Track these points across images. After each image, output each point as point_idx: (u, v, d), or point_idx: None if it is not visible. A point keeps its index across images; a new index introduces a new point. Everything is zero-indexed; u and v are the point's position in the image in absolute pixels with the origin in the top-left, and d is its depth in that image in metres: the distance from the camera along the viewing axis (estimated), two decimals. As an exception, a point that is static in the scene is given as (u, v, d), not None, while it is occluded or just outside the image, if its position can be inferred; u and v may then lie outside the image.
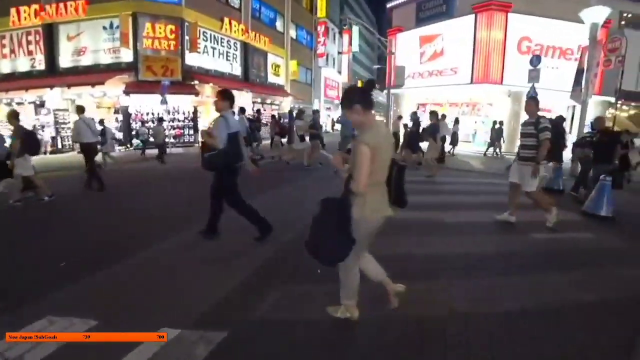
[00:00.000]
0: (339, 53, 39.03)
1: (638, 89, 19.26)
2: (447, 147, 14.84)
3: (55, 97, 16.22)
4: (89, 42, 17.02)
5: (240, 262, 3.74)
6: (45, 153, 15.26)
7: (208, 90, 17.96)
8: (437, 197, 7.13)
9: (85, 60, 17.15)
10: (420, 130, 10.44)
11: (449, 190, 7.95)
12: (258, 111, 17.13)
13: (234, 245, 4.20)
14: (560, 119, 8.42)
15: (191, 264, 3.75)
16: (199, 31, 17.92)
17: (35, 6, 16.85)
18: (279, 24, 26.87)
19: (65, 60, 17.45)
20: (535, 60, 11.79)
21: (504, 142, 15.31)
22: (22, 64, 18.28)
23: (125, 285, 3.27)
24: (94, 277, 3.38)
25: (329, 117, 36.10)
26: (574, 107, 16.40)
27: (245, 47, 21.95)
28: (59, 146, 15.89)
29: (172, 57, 16.88)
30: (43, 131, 15.81)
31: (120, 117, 16.77)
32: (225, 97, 4.13)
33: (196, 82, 17.32)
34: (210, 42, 19.31)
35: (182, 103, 17.19)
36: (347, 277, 2.49)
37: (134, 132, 16.43)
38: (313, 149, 10.45)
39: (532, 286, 3.30)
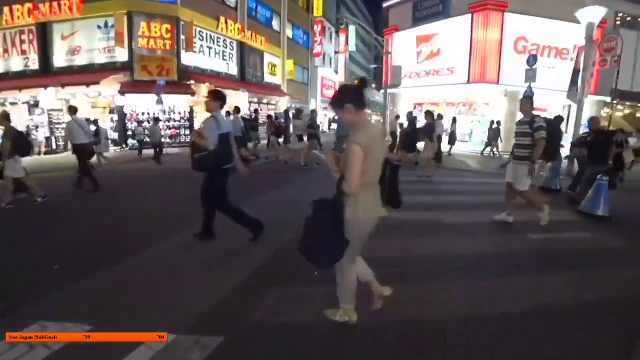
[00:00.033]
0: (336, 52, 39.01)
1: (633, 89, 19.39)
2: (446, 146, 14.90)
3: (49, 97, 16.06)
4: (84, 42, 16.87)
5: (238, 263, 3.71)
6: (39, 153, 15.13)
7: (204, 90, 17.81)
8: (435, 197, 7.13)
9: (80, 60, 16.99)
10: (416, 129, 10.44)
11: (447, 190, 7.94)
12: (255, 111, 17.08)
13: (232, 246, 4.16)
14: (559, 118, 8.45)
15: (189, 265, 3.71)
16: (195, 30, 17.81)
17: (28, 5, 16.68)
18: (275, 23, 26.79)
19: (59, 59, 17.29)
20: (532, 59, 11.83)
21: (501, 141, 15.35)
22: (16, 64, 18.10)
23: (123, 286, 3.23)
24: (90, 279, 3.34)
25: (326, 116, 36.08)
26: (569, 106, 16.46)
27: (242, 46, 21.86)
28: (53, 146, 15.73)
29: (167, 57, 16.76)
30: (37, 131, 15.65)
31: (115, 117, 16.64)
32: (216, 97, 4.08)
33: (192, 81, 17.22)
34: (206, 41, 19.20)
35: (178, 103, 17.09)
36: (344, 280, 2.45)
37: (129, 132, 16.31)
38: (310, 148, 10.43)
39: (531, 286, 3.29)
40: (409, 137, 10.44)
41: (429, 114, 9.80)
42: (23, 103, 16.91)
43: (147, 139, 14.02)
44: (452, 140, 15.31)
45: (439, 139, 11.51)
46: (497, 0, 16.31)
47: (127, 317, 2.68)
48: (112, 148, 15.82)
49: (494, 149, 15.14)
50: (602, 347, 2.45)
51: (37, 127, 15.76)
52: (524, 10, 16.38)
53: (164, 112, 16.49)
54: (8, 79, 17.53)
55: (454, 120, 15.69)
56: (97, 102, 16.91)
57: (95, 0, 15.95)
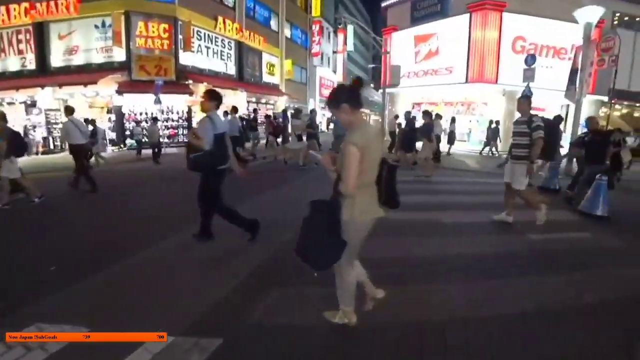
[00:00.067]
0: (334, 52, 38.98)
1: (630, 89, 19.47)
2: (445, 146, 14.92)
3: (47, 96, 16.00)
4: (81, 41, 16.81)
5: (237, 263, 3.70)
6: (37, 153, 15.10)
7: (202, 90, 17.75)
8: (434, 197, 7.12)
9: (77, 60, 16.93)
10: (414, 129, 10.43)
11: (446, 190, 7.92)
12: (255, 110, 17.05)
13: (231, 246, 4.15)
14: (559, 118, 8.45)
15: (188, 265, 3.70)
16: (193, 30, 17.77)
17: (25, 4, 16.60)
18: (273, 23, 26.76)
19: (56, 59, 17.23)
20: (530, 59, 11.84)
21: (500, 141, 15.38)
22: (13, 63, 18.04)
23: (121, 287, 3.22)
24: (88, 280, 3.33)
25: (324, 116, 36.07)
26: (567, 106, 16.51)
27: (240, 46, 21.82)
28: (51, 147, 15.68)
29: (165, 57, 16.72)
30: (34, 131, 15.60)
31: (113, 117, 16.58)
32: (211, 98, 4.06)
33: (190, 81, 17.18)
34: (204, 41, 19.16)
35: (176, 103, 17.05)
36: (343, 282, 2.43)
37: (128, 132, 16.27)
38: (309, 148, 10.42)
39: (530, 287, 3.29)
40: (407, 136, 10.43)
41: (426, 114, 9.81)
42: (20, 103, 16.84)
43: (146, 139, 13.99)
44: (451, 140, 15.33)
45: (438, 139, 11.53)
46: (495, 0, 16.32)
47: (126, 318, 2.67)
48: (110, 148, 15.78)
49: (493, 149, 15.16)
50: (601, 347, 2.45)
51: (34, 127, 15.70)
52: (522, 10, 16.41)
53: (162, 112, 16.46)
54: (5, 79, 17.47)
55: (453, 120, 15.70)
56: (95, 102, 16.87)
57: (92, -1, 15.90)
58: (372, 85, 45.23)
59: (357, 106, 2.25)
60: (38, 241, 4.52)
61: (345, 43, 37.06)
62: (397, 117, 15.56)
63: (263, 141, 15.33)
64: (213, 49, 19.88)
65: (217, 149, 3.93)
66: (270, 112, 19.95)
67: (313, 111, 12.36)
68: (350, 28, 34.85)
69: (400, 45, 20.69)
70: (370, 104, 40.85)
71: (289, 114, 14.65)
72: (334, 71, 39.55)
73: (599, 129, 6.80)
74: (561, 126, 9.41)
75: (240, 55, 21.98)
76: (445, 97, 19.45)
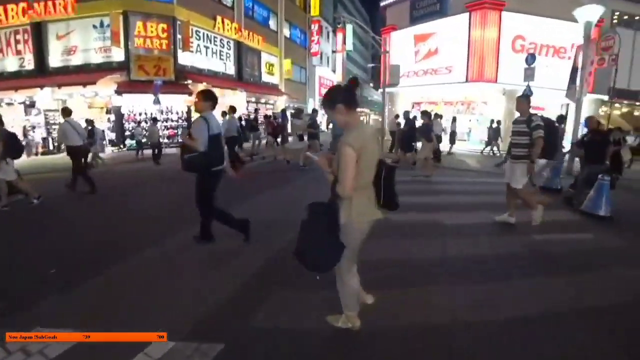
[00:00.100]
0: (333, 52, 38.91)
1: (630, 87, 19.45)
2: (447, 145, 14.91)
3: (46, 97, 15.94)
4: (79, 41, 16.74)
5: (238, 265, 3.68)
6: (36, 154, 15.07)
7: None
8: (435, 197, 7.09)
9: (76, 60, 16.86)
10: (414, 129, 10.39)
11: (447, 190, 7.90)
12: (256, 111, 17.00)
13: (232, 247, 4.12)
14: (561, 118, 8.43)
15: (189, 267, 3.68)
16: (192, 30, 17.71)
17: (22, 4, 16.51)
18: (272, 23, 26.71)
19: (55, 59, 17.15)
20: (530, 58, 11.82)
21: (501, 141, 15.38)
22: (11, 64, 17.95)
23: (121, 289, 3.19)
24: (87, 282, 3.31)
25: (324, 115, 36.03)
26: (567, 105, 16.49)
27: (239, 46, 21.77)
28: (50, 147, 15.63)
29: (164, 57, 16.66)
30: (33, 132, 15.56)
31: (112, 117, 16.53)
32: (206, 98, 4.00)
33: (189, 81, 17.13)
34: (203, 41, 19.11)
35: (175, 103, 17.00)
36: (344, 286, 2.40)
37: (127, 133, 16.23)
38: (310, 148, 10.38)
39: (533, 289, 3.26)
40: (407, 136, 10.40)
41: (425, 114, 9.75)
42: (19, 104, 16.78)
43: (144, 140, 13.96)
44: (452, 139, 15.33)
45: (439, 139, 11.50)
46: (494, -1, 16.32)
47: (126, 320, 2.65)
48: (110, 149, 15.73)
49: (494, 148, 15.15)
50: (602, 349, 2.44)
51: (33, 127, 15.66)
52: (522, 9, 16.39)
53: (161, 112, 16.41)
54: (3, 80, 17.38)
55: (454, 119, 15.71)
56: (94, 103, 16.80)
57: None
58: (371, 84, 45.20)
59: (352, 106, 2.22)
60: (37, 242, 4.51)
61: (344, 42, 36.98)
62: (397, 116, 15.55)
63: (264, 141, 15.30)
64: (212, 48, 19.82)
65: (212, 149, 3.88)
66: (269, 112, 19.90)
67: (315, 111, 12.33)
68: (349, 27, 34.72)
69: (400, 45, 20.67)
70: (370, 104, 40.83)
71: (288, 114, 14.61)
72: (334, 71, 39.50)
73: (598, 128, 6.76)
74: (563, 125, 9.35)
75: (240, 55, 21.92)
76: (445, 96, 19.44)
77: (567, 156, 9.45)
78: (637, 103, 21.36)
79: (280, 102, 26.13)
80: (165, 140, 16.27)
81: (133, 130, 15.63)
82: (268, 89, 25.53)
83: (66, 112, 7.67)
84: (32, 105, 16.27)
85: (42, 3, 16.26)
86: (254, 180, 8.89)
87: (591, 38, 10.74)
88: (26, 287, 3.25)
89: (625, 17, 19.81)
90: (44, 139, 15.64)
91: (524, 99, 5.03)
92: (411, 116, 11.28)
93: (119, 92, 15.68)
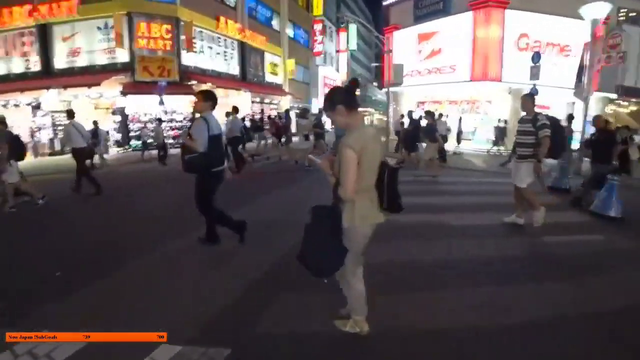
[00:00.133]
0: (337, 51, 38.87)
1: (637, 85, 19.21)
2: (453, 145, 14.82)
3: (52, 98, 16.03)
4: (84, 43, 16.82)
5: (244, 267, 3.65)
6: (42, 155, 15.18)
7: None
8: (441, 198, 7.02)
9: (81, 61, 16.94)
10: (418, 128, 10.31)
11: (453, 190, 7.82)
12: (262, 111, 17.00)
13: (237, 249, 4.10)
14: (570, 117, 8.32)
15: (195, 269, 3.66)
16: (195, 30, 17.73)
17: (28, 6, 16.60)
18: (275, 23, 26.71)
19: (60, 61, 17.24)
20: (536, 57, 11.70)
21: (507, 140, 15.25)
22: (17, 66, 18.06)
23: (125, 292, 3.18)
24: (89, 284, 3.30)
25: (329, 115, 35.94)
26: (573, 103, 16.34)
27: (243, 46, 21.78)
28: (57, 148, 15.72)
29: (168, 57, 16.70)
30: (39, 133, 15.68)
31: (118, 118, 16.60)
32: (206, 98, 3.99)
33: (194, 82, 17.15)
34: (207, 41, 19.13)
35: (180, 103, 17.04)
36: (351, 290, 2.37)
37: (133, 134, 16.30)
38: (316, 148, 10.34)
39: (542, 292, 3.19)
40: (410, 136, 10.33)
41: (429, 114, 9.66)
42: (26, 105, 16.89)
43: (151, 140, 14.03)
44: (459, 139, 15.25)
45: (445, 139, 11.41)
46: (497, -3, 16.19)
47: (129, 323, 2.62)
48: (115, 149, 15.78)
49: (501, 148, 15.04)
50: (612, 354, 2.39)
51: (39, 129, 15.79)
52: (526, 7, 16.26)
53: (166, 112, 16.45)
54: (10, 81, 17.50)
55: (460, 119, 15.63)
56: (99, 104, 16.87)
57: (94, 1, 15.86)
58: (375, 83, 45.08)
59: (353, 107, 2.20)
60: (42, 243, 4.54)
61: (347, 42, 36.93)
62: (403, 116, 15.48)
63: (270, 141, 15.31)
64: (215, 49, 19.84)
65: (212, 150, 3.86)
66: (273, 112, 19.89)
67: (321, 111, 12.30)
68: (353, 27, 34.70)
69: (403, 44, 20.57)
70: (374, 103, 40.70)
71: (291, 114, 14.59)
72: (337, 70, 39.47)
73: (606, 127, 6.66)
74: (571, 125, 9.24)
75: (243, 55, 21.93)
76: (449, 95, 19.32)
77: (573, 155, 9.33)
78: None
79: (285, 102, 26.12)
80: (170, 141, 16.31)
81: (139, 132, 15.69)
82: (272, 89, 25.53)
83: (70, 114, 7.72)
84: (37, 106, 16.38)
85: (47, 5, 16.35)
86: (260, 180, 8.88)
87: (598, 36, 10.61)
88: (28, 288, 3.26)
89: (632, 14, 19.58)
90: (51, 140, 15.75)
91: (529, 98, 4.95)
92: (415, 116, 11.20)
93: (124, 93, 15.74)
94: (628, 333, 2.60)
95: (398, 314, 2.76)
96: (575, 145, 9.82)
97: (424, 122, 10.39)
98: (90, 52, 16.79)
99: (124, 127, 16.45)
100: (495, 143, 15.17)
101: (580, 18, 10.65)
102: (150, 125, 15.59)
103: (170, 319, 2.71)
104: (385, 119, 19.35)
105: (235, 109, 10.78)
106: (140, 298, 3.07)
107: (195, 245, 4.20)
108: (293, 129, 14.08)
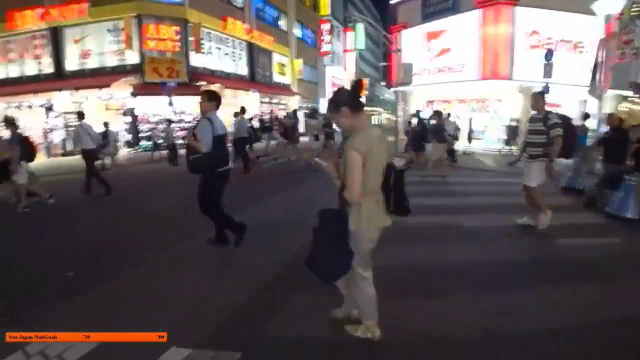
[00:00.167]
0: (344, 51, 38.76)
1: (652, 82, 18.74)
2: (464, 145, 14.64)
3: (64, 100, 16.29)
4: (94, 45, 17.06)
5: (254, 269, 3.62)
6: (55, 155, 15.44)
7: (214, 92, 17.87)
8: (451, 199, 6.92)
9: (92, 63, 17.19)
10: (426, 129, 10.19)
11: (463, 191, 7.69)
12: (271, 112, 17.04)
13: (246, 251, 4.08)
14: (587, 116, 8.13)
15: (203, 272, 3.65)
16: (203, 32, 17.84)
17: (40, 10, 16.85)
18: (282, 23, 26.75)
19: (72, 63, 17.50)
20: (549, 54, 11.50)
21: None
22: (30, 68, 18.37)
23: (134, 294, 3.17)
24: (96, 286, 3.31)
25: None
26: (585, 101, 16.03)
27: (251, 47, 21.85)
28: (69, 148, 15.97)
29: (177, 59, 16.83)
30: (51, 134, 15.95)
31: (128, 119, 16.78)
32: (210, 98, 3.98)
33: (203, 83, 17.26)
34: (215, 42, 19.24)
35: (188, 104, 17.15)
36: (361, 294, 2.32)
37: (143, 134, 16.46)
38: (325, 148, 10.32)
39: (557, 298, 3.07)
40: (418, 136, 10.21)
41: (437, 113, 9.52)
42: (39, 106, 17.18)
43: (161, 141, 14.17)
44: (470, 138, 15.08)
45: (455, 138, 11.26)
46: (506, -6, 15.94)
47: (135, 325, 2.60)
48: (126, 150, 15.98)
49: (513, 147, 14.82)
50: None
51: (52, 130, 16.06)
52: (536, 4, 15.95)
53: (175, 113, 16.58)
54: (23, 83, 17.80)
55: (471, 119, 15.44)
56: (110, 105, 17.09)
57: (104, 3, 16.06)
58: (383, 83, 44.86)
59: (358, 109, 2.17)
60: (49, 243, 4.62)
61: (354, 42, 36.79)
62: (412, 116, 15.36)
63: (278, 141, 15.35)
64: (224, 50, 19.94)
65: (216, 150, 3.86)
66: (281, 113, 19.92)
67: None
68: (360, 26, 34.54)
69: (411, 43, 20.38)
70: (382, 102, 40.53)
71: (299, 114, 14.58)
72: (345, 70, 39.36)
73: (620, 125, 6.48)
74: (587, 123, 9.04)
75: (252, 55, 22.01)
76: (458, 94, 19.09)
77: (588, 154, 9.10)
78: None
79: (293, 102, 26.15)
80: (180, 141, 16.42)
81: (149, 132, 15.86)
82: (280, 89, 25.59)
83: (80, 115, 7.86)
84: (50, 108, 16.66)
85: (58, 8, 16.59)
86: (268, 180, 8.88)
87: (611, 32, 10.38)
88: (39, 292, 3.26)
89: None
90: (63, 141, 16.00)
91: (540, 96, 4.83)
92: (423, 115, 11.07)
93: (134, 94, 15.91)
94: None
95: (408, 319, 2.70)
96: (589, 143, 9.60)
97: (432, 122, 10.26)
98: (100, 54, 17.03)
99: (133, 127, 16.62)
100: (507, 142, 14.94)
101: (593, 13, 10.42)
102: (160, 126, 15.73)
103: (177, 321, 2.70)
104: (394, 118, 19.20)
105: (243, 110, 10.81)
106: (147, 299, 3.07)
107: (204, 246, 4.20)
108: (301, 129, 14.08)
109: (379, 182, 2.19)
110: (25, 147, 6.43)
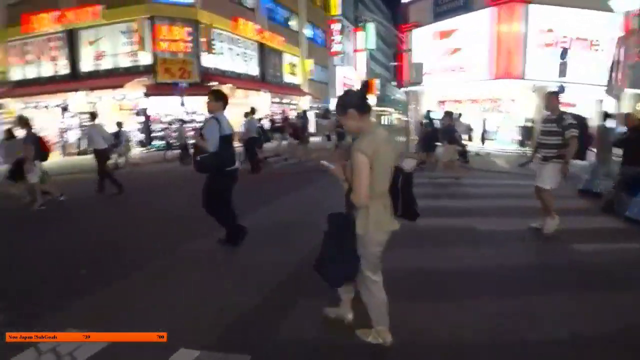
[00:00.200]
0: (354, 51, 38.65)
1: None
2: (477, 146, 14.43)
3: (79, 100, 16.63)
4: (108, 47, 17.37)
5: (264, 270, 3.60)
6: (70, 154, 15.78)
7: (225, 91, 17.96)
8: (465, 201, 6.77)
9: (106, 64, 17.51)
10: (436, 129, 10.06)
11: (476, 193, 7.54)
12: (283, 112, 17.09)
13: (256, 253, 4.07)
14: (606, 115, 7.87)
15: (213, 272, 3.64)
16: (214, 32, 17.99)
17: (55, 13, 17.21)
18: (293, 24, 26.80)
19: (86, 64, 17.85)
20: (564, 53, 11.25)
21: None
22: (46, 69, 18.80)
23: (140, 297, 3.16)
24: (108, 289, 3.31)
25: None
26: (601, 101, 15.64)
27: (262, 47, 21.95)
28: (84, 148, 16.29)
29: (188, 59, 17.01)
30: (67, 134, 16.30)
31: (141, 118, 17.04)
32: (217, 98, 3.98)
33: (215, 83, 17.39)
34: (226, 43, 19.38)
35: (200, 104, 17.26)
36: (372, 298, 2.28)
37: (155, 134, 16.68)
38: (337, 148, 10.31)
39: (573, 307, 2.93)
40: (429, 137, 10.09)
41: (447, 114, 9.37)
42: (55, 107, 17.57)
43: (174, 141, 14.36)
44: (483, 139, 14.87)
45: (469, 138, 11.08)
46: (520, -9, 15.68)
47: (144, 328, 2.57)
48: (138, 149, 16.21)
49: (527, 149, 14.55)
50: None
51: (67, 129, 16.40)
52: (550, 1, 15.65)
53: (187, 113, 16.76)
54: (40, 84, 18.23)
55: (485, 120, 15.24)
56: (123, 105, 17.38)
57: (118, 6, 16.33)
58: (393, 83, 44.57)
59: (365, 111, 2.13)
60: (59, 242, 4.68)
61: (365, 41, 36.66)
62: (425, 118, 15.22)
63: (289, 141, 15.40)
64: (235, 50, 20.08)
65: (223, 150, 3.85)
66: (292, 113, 19.97)
67: None
68: (371, 26, 34.40)
69: (422, 42, 20.19)
70: (393, 102, 40.31)
71: (309, 115, 14.57)
72: (356, 70, 39.25)
73: (638, 126, 6.26)
74: (607, 124, 8.76)
75: (262, 56, 22.12)
76: (470, 94, 18.84)
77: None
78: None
79: (304, 102, 26.18)
80: (191, 141, 16.56)
81: (162, 132, 16.06)
82: (290, 89, 25.66)
83: (93, 116, 8.02)
84: (65, 108, 17.03)
85: (74, 11, 16.92)
86: (278, 181, 8.89)
87: (629, 29, 10.09)
88: (50, 292, 3.29)
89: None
90: (78, 140, 16.34)
91: (554, 96, 4.68)
92: (434, 115, 10.93)
93: (147, 94, 16.13)
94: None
95: (419, 324, 2.64)
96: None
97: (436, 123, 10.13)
98: (114, 55, 17.35)
99: (146, 127, 16.86)
100: (522, 143, 14.67)
101: (611, 10, 10.15)
102: (173, 126, 15.93)
103: (186, 322, 2.70)
104: (405, 118, 19.05)
105: (253, 110, 10.85)
106: (155, 299, 3.07)
107: (214, 247, 4.20)
108: (311, 129, 14.08)
109: (386, 185, 2.16)
110: (39, 147, 6.56)
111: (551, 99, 4.66)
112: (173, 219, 5.65)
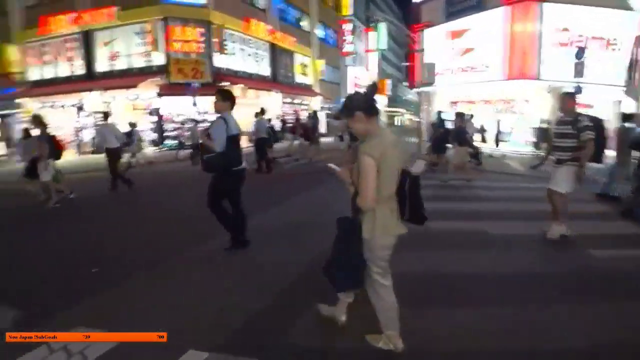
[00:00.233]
0: (366, 51, 38.51)
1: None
2: (490, 147, 14.21)
3: (94, 100, 16.95)
4: (122, 47, 17.66)
5: (274, 272, 3.59)
6: (85, 153, 16.11)
7: (237, 92, 18.13)
8: (477, 204, 6.63)
9: (120, 64, 17.80)
10: (447, 131, 9.91)
11: (490, 196, 7.37)
12: (295, 112, 17.13)
13: (267, 253, 4.07)
14: (628, 117, 7.61)
15: (223, 273, 3.64)
16: (226, 33, 18.13)
17: (72, 14, 17.57)
18: (304, 24, 26.84)
19: (101, 64, 18.18)
20: (580, 53, 10.99)
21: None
22: (63, 70, 19.20)
23: (150, 297, 3.17)
24: (118, 286, 3.35)
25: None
26: (620, 102, 15.24)
27: (273, 47, 22.03)
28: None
29: (201, 60, 17.18)
30: (82, 133, 16.63)
31: (154, 118, 17.28)
32: (225, 98, 3.96)
33: (227, 83, 17.51)
34: (238, 43, 19.51)
35: (212, 104, 17.45)
36: (381, 303, 2.25)
37: (167, 134, 16.91)
38: (350, 148, 10.26)
39: (589, 317, 2.82)
40: (440, 138, 9.95)
41: (459, 116, 9.21)
42: (71, 106, 17.94)
43: (188, 140, 14.53)
44: (497, 140, 14.63)
45: (483, 139, 10.89)
46: (535, -10, 15.37)
47: (154, 329, 2.56)
48: (151, 149, 16.44)
49: (541, 151, 14.27)
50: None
51: (82, 128, 16.73)
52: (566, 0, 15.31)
53: (199, 113, 16.92)
54: (57, 84, 18.64)
55: (499, 121, 15.00)
56: (137, 104, 17.65)
57: (132, 7, 16.57)
58: (405, 83, 44.27)
59: (372, 113, 2.10)
60: (69, 241, 4.74)
61: (377, 42, 36.50)
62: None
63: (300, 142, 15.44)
64: (247, 50, 20.21)
65: (230, 149, 3.84)
66: (304, 114, 19.98)
67: None
68: (383, 26, 34.23)
69: (434, 42, 19.96)
70: (405, 103, 40.04)
71: (319, 115, 14.57)
72: (367, 70, 39.10)
73: None
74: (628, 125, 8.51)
75: (274, 56, 22.21)
76: (483, 95, 18.56)
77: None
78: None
79: (315, 103, 26.20)
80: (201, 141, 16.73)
81: (175, 132, 16.25)
82: (302, 89, 25.70)
83: (105, 115, 8.14)
84: (81, 107, 17.38)
85: (90, 12, 17.25)
86: (289, 181, 8.89)
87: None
88: (58, 291, 3.33)
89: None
90: (93, 139, 16.66)
91: (570, 97, 4.52)
92: (445, 116, 10.78)
93: (160, 94, 16.35)
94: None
95: (430, 330, 2.58)
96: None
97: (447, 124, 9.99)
98: (128, 55, 17.63)
99: (159, 127, 17.09)
100: (537, 145, 14.37)
101: (630, 8, 9.87)
102: (186, 126, 16.12)
103: (194, 323, 2.70)
104: (417, 119, 18.88)
105: (262, 110, 10.89)
106: (162, 300, 3.08)
107: (224, 247, 4.19)
108: (322, 129, 14.08)
109: (393, 188, 2.13)
110: (53, 145, 6.69)
111: (566, 100, 4.50)
112: (183, 219, 5.67)
